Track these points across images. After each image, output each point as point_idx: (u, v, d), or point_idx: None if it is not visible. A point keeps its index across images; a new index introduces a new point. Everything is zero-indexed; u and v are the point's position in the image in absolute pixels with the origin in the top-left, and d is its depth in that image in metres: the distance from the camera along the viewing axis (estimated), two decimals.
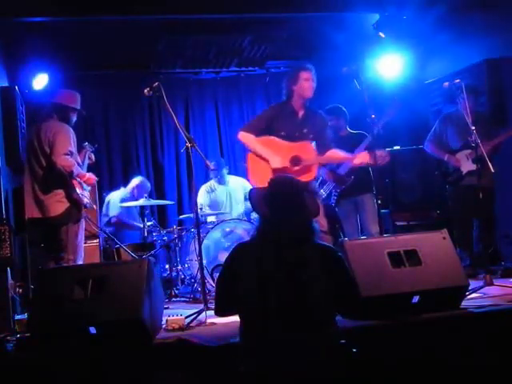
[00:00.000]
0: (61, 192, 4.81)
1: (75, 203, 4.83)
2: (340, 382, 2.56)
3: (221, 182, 6.80)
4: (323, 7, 5.79)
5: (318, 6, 5.77)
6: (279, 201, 2.76)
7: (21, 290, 4.57)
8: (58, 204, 4.79)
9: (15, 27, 5.68)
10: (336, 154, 4.83)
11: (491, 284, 4.37)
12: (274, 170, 4.69)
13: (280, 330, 2.57)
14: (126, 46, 6.51)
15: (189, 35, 6.51)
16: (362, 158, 4.79)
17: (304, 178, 4.63)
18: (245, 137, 4.86)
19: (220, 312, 2.95)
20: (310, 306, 2.59)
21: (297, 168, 4.68)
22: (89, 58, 6.63)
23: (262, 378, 2.55)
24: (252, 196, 2.97)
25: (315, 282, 2.62)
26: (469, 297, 3.94)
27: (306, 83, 4.78)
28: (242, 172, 7.69)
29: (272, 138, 4.79)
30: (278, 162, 4.70)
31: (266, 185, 4.58)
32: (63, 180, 4.79)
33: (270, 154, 4.74)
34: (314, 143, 4.86)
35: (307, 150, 4.75)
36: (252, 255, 2.71)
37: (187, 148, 4.49)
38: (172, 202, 7.16)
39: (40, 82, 5.97)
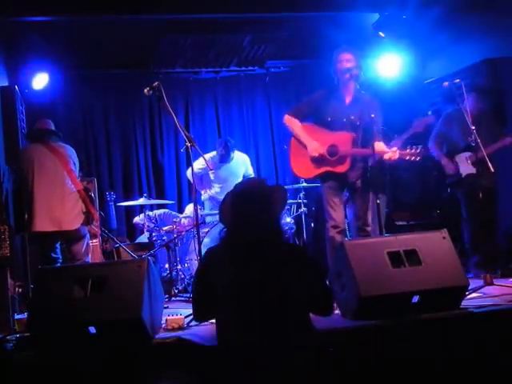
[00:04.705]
0: (80, 206, 5.02)
1: (92, 217, 5.09)
2: (318, 382, 2.57)
3: (224, 160, 6.66)
4: (323, 7, 5.79)
5: (317, 6, 5.77)
6: (245, 202, 2.76)
7: (21, 290, 4.59)
8: (77, 218, 4.99)
9: (15, 27, 5.68)
10: (375, 147, 4.63)
11: (491, 284, 4.37)
12: (312, 158, 4.68)
13: (254, 331, 2.57)
14: (126, 45, 6.50)
15: (189, 35, 6.51)
16: (392, 153, 4.64)
17: (338, 169, 4.66)
18: (290, 121, 4.83)
19: (198, 318, 3.00)
20: (282, 306, 2.60)
21: (333, 158, 4.65)
22: (89, 58, 6.63)
23: (241, 380, 2.55)
24: (222, 202, 2.97)
25: (285, 282, 2.63)
26: (469, 297, 3.94)
27: (340, 65, 4.69)
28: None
29: (315, 125, 4.77)
30: (315, 148, 4.66)
31: (305, 173, 4.80)
32: (85, 195, 5.06)
33: (309, 141, 4.71)
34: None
35: (344, 140, 4.66)
36: (221, 259, 2.73)
37: (187, 147, 4.49)
38: (172, 202, 7.16)
39: (40, 81, 5.97)
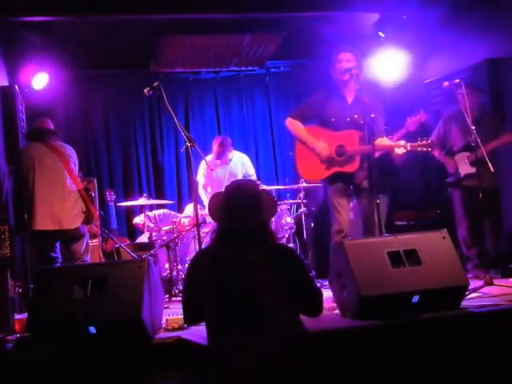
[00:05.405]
0: (80, 205, 5.05)
1: (92, 216, 5.12)
2: (301, 382, 2.57)
3: (219, 157, 6.61)
4: (323, 7, 5.77)
5: (318, 6, 5.76)
6: (236, 204, 2.77)
7: (21, 290, 4.59)
8: (77, 217, 5.03)
9: (15, 27, 5.68)
10: (381, 143, 4.62)
11: (491, 284, 4.37)
12: (322, 159, 4.65)
13: (241, 332, 2.58)
14: (126, 45, 6.50)
15: (189, 35, 6.51)
16: (403, 146, 4.56)
17: (347, 169, 4.63)
18: (292, 124, 4.81)
19: (188, 321, 3.01)
20: (270, 306, 2.61)
21: (341, 158, 4.62)
22: (89, 58, 6.62)
23: (230, 379, 2.56)
24: (210, 201, 2.98)
25: (272, 282, 2.64)
26: (469, 297, 3.94)
27: (339, 65, 4.68)
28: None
29: (318, 127, 4.75)
30: (323, 148, 4.63)
31: (314, 175, 4.79)
32: (85, 195, 5.10)
33: (315, 142, 4.68)
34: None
35: (351, 139, 4.63)
36: (210, 261, 2.74)
37: (187, 147, 4.50)
38: (172, 202, 7.16)
39: (40, 81, 5.96)
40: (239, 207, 2.76)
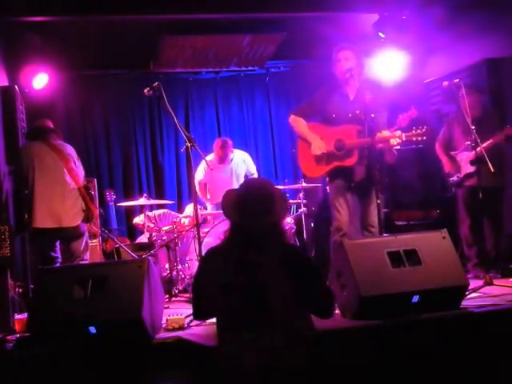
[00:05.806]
0: (80, 204, 5.06)
1: (92, 214, 5.13)
2: (303, 382, 2.57)
3: (222, 161, 6.63)
4: (323, 7, 5.78)
5: (317, 6, 5.76)
6: (248, 203, 2.77)
7: (21, 290, 4.59)
8: (77, 215, 5.03)
9: (15, 27, 5.68)
10: (380, 135, 4.61)
11: (491, 284, 4.37)
12: (315, 157, 4.72)
13: (249, 332, 2.59)
14: (126, 45, 6.50)
15: (189, 35, 6.51)
16: (398, 137, 4.58)
17: (347, 163, 4.67)
18: (295, 120, 4.89)
19: (197, 317, 3.02)
20: (271, 306, 2.61)
21: (340, 153, 4.67)
22: (89, 58, 6.63)
23: (234, 380, 2.57)
24: (223, 198, 2.98)
25: (276, 282, 2.63)
26: (469, 297, 3.94)
27: (339, 64, 4.73)
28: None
29: (320, 124, 4.83)
30: (319, 146, 4.70)
31: (315, 171, 4.85)
32: (85, 193, 5.10)
33: (314, 139, 4.75)
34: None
35: (349, 133, 4.67)
36: (220, 259, 2.75)
37: (187, 147, 4.50)
38: (172, 202, 7.16)
39: (40, 81, 5.96)
40: (251, 206, 2.76)
